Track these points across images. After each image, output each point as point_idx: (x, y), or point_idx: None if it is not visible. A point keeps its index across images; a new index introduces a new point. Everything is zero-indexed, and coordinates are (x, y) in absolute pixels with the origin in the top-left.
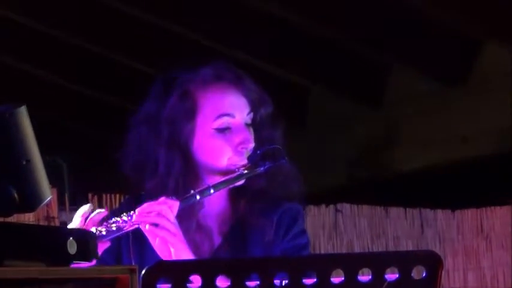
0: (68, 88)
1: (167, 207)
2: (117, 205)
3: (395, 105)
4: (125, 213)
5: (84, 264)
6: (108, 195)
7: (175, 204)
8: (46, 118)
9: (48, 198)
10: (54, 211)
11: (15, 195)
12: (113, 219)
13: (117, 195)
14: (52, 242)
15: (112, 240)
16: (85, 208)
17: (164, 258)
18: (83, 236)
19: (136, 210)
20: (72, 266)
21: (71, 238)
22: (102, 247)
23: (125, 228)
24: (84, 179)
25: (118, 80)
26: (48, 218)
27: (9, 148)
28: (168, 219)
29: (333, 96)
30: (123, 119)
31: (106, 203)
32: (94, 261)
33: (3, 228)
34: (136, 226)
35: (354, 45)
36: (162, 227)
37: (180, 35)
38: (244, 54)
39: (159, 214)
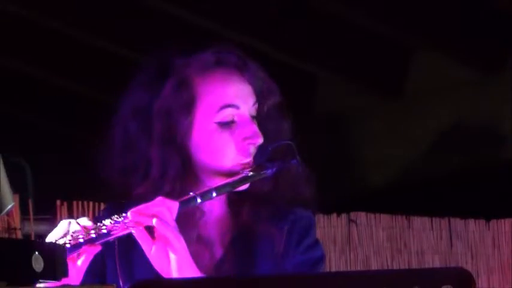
0: (34, 76)
1: (166, 208)
2: (90, 214)
3: (417, 96)
4: (116, 216)
5: (52, 284)
6: (80, 203)
7: (174, 206)
8: (6, 112)
9: (9, 206)
10: (16, 221)
11: None
12: (103, 222)
13: (91, 204)
14: (14, 257)
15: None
16: (69, 221)
17: (160, 270)
18: (50, 250)
19: (129, 212)
20: (38, 285)
21: (37, 253)
22: (92, 252)
23: (115, 232)
24: (52, 183)
25: (96, 67)
26: (9, 229)
27: None
28: (168, 221)
29: (345, 85)
30: (101, 113)
31: (77, 212)
32: (63, 280)
33: None
34: (130, 230)
35: (369, 25)
36: (163, 226)
37: (173, 15)
38: (245, 37)
39: (156, 216)
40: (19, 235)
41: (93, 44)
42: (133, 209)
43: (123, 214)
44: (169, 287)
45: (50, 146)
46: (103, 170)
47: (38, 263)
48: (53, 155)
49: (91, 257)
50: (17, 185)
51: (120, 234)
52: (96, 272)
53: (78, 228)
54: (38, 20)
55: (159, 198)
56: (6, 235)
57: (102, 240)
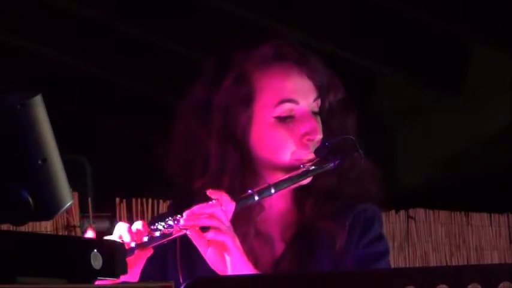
0: (94, 74)
1: (221, 209)
2: (149, 212)
3: (476, 92)
4: (170, 218)
5: (110, 281)
6: (139, 200)
7: (230, 205)
8: (66, 110)
9: (68, 204)
10: (76, 219)
11: (30, 200)
12: (156, 225)
13: (150, 201)
14: (73, 255)
15: (156, 249)
16: (123, 226)
17: (217, 270)
18: (109, 247)
19: (184, 214)
20: (97, 283)
21: (95, 250)
22: (144, 256)
23: (168, 235)
24: (110, 181)
25: (157, 67)
26: (68, 226)
27: (22, 146)
28: (223, 222)
29: (404, 82)
30: (159, 111)
31: (136, 209)
32: (122, 278)
33: (15, 239)
34: (184, 232)
35: (427, 20)
36: (215, 231)
37: (229, 14)
38: (303, 34)
39: (211, 216)
40: (78, 233)
41: (157, 45)
42: (187, 211)
43: (178, 216)
44: (226, 284)
45: (109, 144)
46: (164, 163)
47: (96, 260)
48: (112, 153)
49: (143, 261)
50: (76, 183)
51: (174, 237)
52: (157, 267)
53: (128, 238)
54: (103, 21)
55: (220, 193)
56: (66, 233)
57: (155, 244)
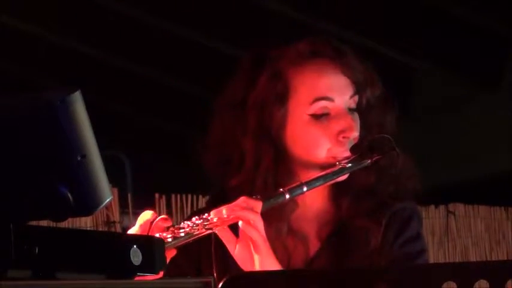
0: (133, 71)
1: (248, 211)
2: (188, 207)
3: None
4: (196, 217)
5: (150, 277)
6: (178, 195)
7: (257, 205)
8: (106, 106)
9: (108, 200)
10: (115, 215)
11: (69, 196)
12: (182, 224)
13: (189, 196)
14: (113, 250)
15: (191, 243)
16: (147, 215)
17: (245, 268)
18: (149, 243)
19: (211, 213)
20: (137, 278)
21: (135, 246)
22: (168, 256)
23: (195, 234)
24: (150, 177)
25: (194, 63)
26: (108, 222)
27: (62, 142)
28: (249, 224)
29: (443, 76)
30: (197, 108)
31: (175, 205)
32: (161, 273)
33: (55, 235)
34: (210, 232)
35: (468, 17)
36: (244, 230)
37: (267, 10)
38: (340, 29)
39: (239, 219)
40: (118, 228)
41: (196, 41)
42: (215, 210)
43: (205, 215)
44: (264, 280)
45: (148, 140)
46: (202, 160)
47: (136, 256)
48: (152, 149)
49: (167, 262)
50: (116, 179)
51: (200, 236)
52: (190, 261)
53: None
54: (141, 18)
55: (242, 199)
56: (106, 228)
57: (180, 244)
